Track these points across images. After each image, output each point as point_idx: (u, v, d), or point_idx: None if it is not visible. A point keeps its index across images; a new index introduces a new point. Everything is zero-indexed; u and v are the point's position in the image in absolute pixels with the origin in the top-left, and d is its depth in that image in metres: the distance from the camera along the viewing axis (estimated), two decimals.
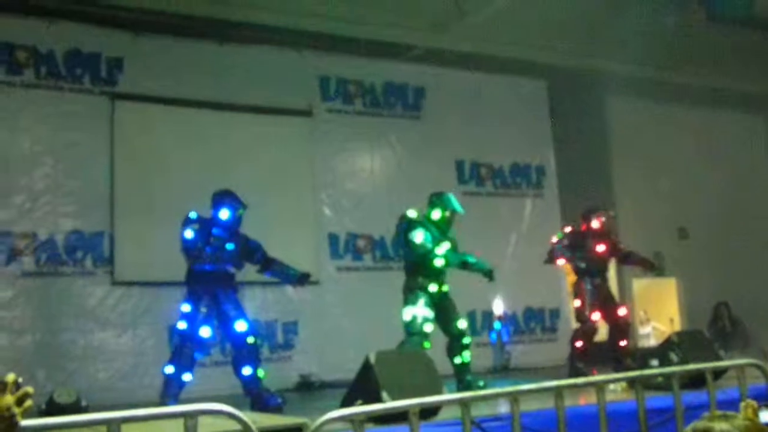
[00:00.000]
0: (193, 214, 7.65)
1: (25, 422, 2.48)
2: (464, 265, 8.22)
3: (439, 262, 7.96)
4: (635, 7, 10.99)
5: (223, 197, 7.82)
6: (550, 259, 9.72)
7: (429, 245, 7.91)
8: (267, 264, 8.10)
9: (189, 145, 10.35)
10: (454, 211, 8.19)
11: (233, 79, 10.67)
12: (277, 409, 7.31)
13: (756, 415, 2.52)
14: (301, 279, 8.28)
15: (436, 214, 8.15)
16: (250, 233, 8.15)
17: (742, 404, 2.66)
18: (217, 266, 7.67)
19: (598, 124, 13.65)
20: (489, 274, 8.25)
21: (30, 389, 2.42)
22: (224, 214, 7.74)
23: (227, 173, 9.72)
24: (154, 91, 10.30)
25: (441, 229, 8.13)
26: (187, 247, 7.58)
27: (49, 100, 9.75)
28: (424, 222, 8.06)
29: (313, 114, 11.39)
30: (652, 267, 10.07)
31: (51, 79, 9.78)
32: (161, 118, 10.36)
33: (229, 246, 7.72)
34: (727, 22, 10.89)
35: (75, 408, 5.71)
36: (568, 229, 9.93)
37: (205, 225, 7.63)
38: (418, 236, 7.89)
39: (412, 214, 8.07)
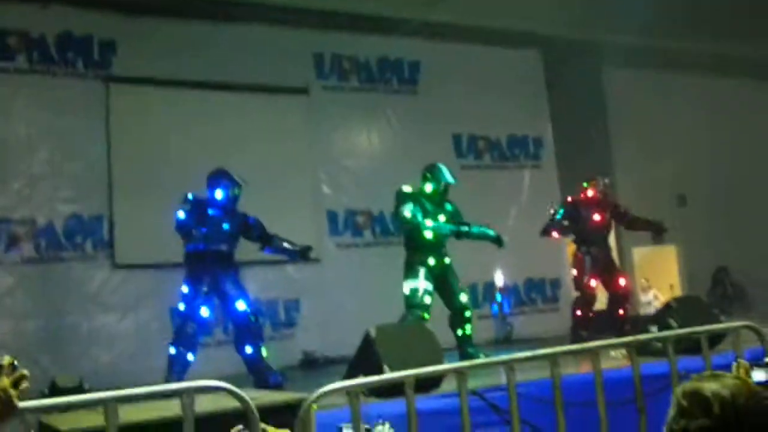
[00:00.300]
0: (190, 195, 7.67)
1: (22, 404, 2.50)
2: (459, 235, 8.25)
3: (428, 234, 8.01)
4: None
5: (218, 177, 7.85)
6: (544, 232, 9.74)
7: (417, 219, 7.95)
8: (267, 240, 8.11)
9: (185, 125, 10.33)
10: (446, 183, 8.21)
11: (228, 58, 10.63)
12: (277, 386, 7.36)
13: (748, 374, 2.54)
14: (303, 253, 8.25)
15: (428, 187, 8.20)
16: (249, 212, 8.16)
17: (734, 364, 2.68)
18: (211, 246, 7.69)
19: (595, 94, 13.62)
20: (497, 241, 8.33)
21: (25, 372, 2.44)
22: (219, 194, 7.78)
23: (225, 153, 9.70)
24: (148, 73, 10.27)
25: (435, 202, 8.16)
26: (178, 227, 7.63)
27: (43, 85, 9.73)
28: (417, 196, 8.08)
29: (309, 92, 11.36)
30: (660, 230, 9.94)
31: (44, 63, 9.74)
32: (156, 99, 10.33)
33: (225, 226, 7.75)
34: None
35: (77, 392, 5.74)
36: (568, 199, 9.94)
37: (199, 205, 7.66)
38: (406, 211, 7.94)
39: (406, 189, 8.10)
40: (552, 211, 9.69)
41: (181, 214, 7.57)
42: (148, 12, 10.35)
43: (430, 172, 8.27)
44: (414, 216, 7.95)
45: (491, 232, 8.41)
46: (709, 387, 2.16)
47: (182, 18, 10.58)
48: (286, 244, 8.19)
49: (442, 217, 8.16)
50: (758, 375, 2.69)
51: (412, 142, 11.64)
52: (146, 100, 10.26)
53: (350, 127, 11.77)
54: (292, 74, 11.22)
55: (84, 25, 10.00)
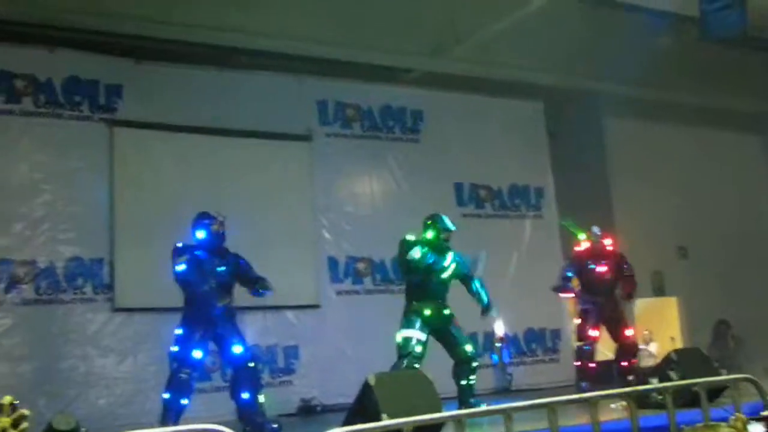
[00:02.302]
0: (179, 244, 7.71)
1: None
2: (468, 280, 8.30)
3: (446, 274, 8.12)
4: (630, 28, 11.07)
5: (197, 219, 7.87)
6: (557, 289, 9.89)
7: (429, 260, 8.02)
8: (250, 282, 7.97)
9: (188, 170, 10.38)
10: (447, 230, 8.27)
11: (232, 104, 10.73)
12: None
13: (745, 427, 2.53)
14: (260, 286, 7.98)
15: (429, 234, 8.26)
16: (250, 258, 8.14)
17: (732, 417, 2.68)
18: (210, 289, 7.67)
19: (596, 145, 13.71)
20: (486, 310, 8.37)
21: (26, 411, 2.45)
22: (200, 234, 7.80)
23: (226, 199, 9.76)
24: (152, 118, 10.34)
25: (437, 249, 8.21)
26: (184, 280, 7.61)
27: (48, 127, 9.79)
28: (420, 242, 8.14)
29: (312, 138, 11.43)
30: (628, 296, 10.02)
31: (50, 106, 9.81)
32: (160, 144, 10.39)
33: (220, 268, 7.74)
34: (719, 42, 10.97)
35: None
36: (574, 254, 10.11)
37: (190, 251, 7.68)
38: (416, 252, 8.01)
39: (409, 237, 8.18)
40: (562, 271, 9.85)
41: (181, 267, 7.58)
42: (154, 57, 10.49)
43: (432, 220, 8.35)
44: (424, 256, 8.01)
45: (486, 298, 8.44)
46: None
47: (188, 64, 10.73)
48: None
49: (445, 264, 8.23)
50: (755, 429, 2.68)
51: (413, 190, 11.71)
52: (150, 145, 10.33)
53: (352, 175, 11.82)
54: (295, 121, 11.30)
55: (91, 70, 10.10)
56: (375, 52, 11.39)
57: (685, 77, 12.74)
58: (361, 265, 11.41)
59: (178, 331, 7.63)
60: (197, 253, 7.67)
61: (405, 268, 8.30)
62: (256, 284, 7.92)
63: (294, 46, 10.89)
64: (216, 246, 7.82)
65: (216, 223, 7.84)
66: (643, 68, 11.44)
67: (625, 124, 13.75)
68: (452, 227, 8.34)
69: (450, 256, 8.22)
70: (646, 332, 13.72)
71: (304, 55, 11.08)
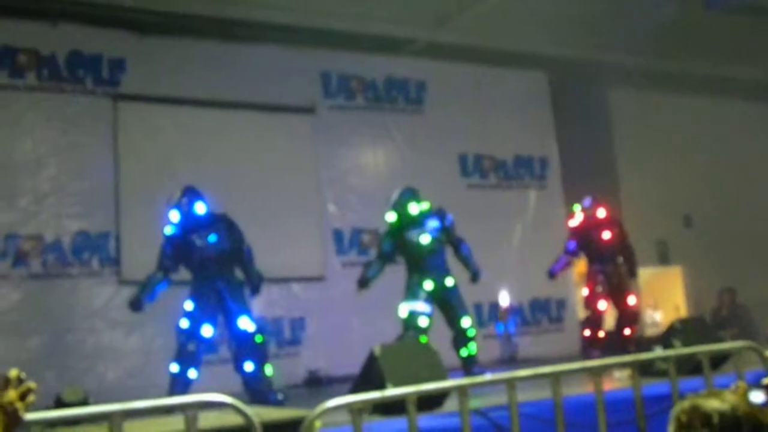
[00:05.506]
0: (166, 231, 7.80)
1: (28, 416, 2.52)
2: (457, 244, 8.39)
3: (424, 240, 8.27)
4: None
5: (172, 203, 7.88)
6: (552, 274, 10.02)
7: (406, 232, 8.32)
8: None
9: (192, 144, 10.38)
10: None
11: (235, 77, 10.71)
12: (278, 405, 7.36)
13: (746, 395, 2.55)
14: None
15: (414, 209, 8.37)
16: (255, 231, 8.20)
17: (733, 385, 2.70)
18: (212, 263, 7.71)
19: (600, 115, 13.64)
20: (475, 277, 8.50)
21: (33, 384, 2.47)
22: (174, 215, 7.82)
23: (230, 172, 9.80)
24: (156, 91, 10.35)
25: (416, 221, 8.32)
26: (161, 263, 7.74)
27: (52, 102, 9.80)
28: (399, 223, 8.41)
29: (316, 111, 11.41)
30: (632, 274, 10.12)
31: (53, 81, 9.82)
32: (164, 117, 10.40)
33: (211, 238, 7.74)
34: (723, 10, 10.88)
35: (82, 406, 5.75)
36: (574, 223, 10.05)
37: (176, 237, 7.74)
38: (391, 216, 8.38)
39: (389, 218, 8.41)
40: (566, 246, 9.89)
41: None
42: (156, 31, 10.46)
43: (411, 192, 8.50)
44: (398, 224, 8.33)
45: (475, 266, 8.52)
46: (708, 403, 2.19)
47: (191, 37, 10.68)
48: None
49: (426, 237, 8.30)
50: (757, 396, 2.69)
51: (418, 161, 11.69)
52: (154, 118, 10.33)
53: (356, 146, 11.81)
54: (298, 93, 11.27)
55: (93, 44, 10.08)
56: (378, 23, 11.33)
57: (689, 46, 12.64)
58: (366, 237, 11.44)
59: (189, 306, 7.64)
60: (187, 229, 7.71)
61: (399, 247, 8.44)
62: (251, 281, 7.93)
63: (297, 17, 10.84)
64: (202, 219, 7.81)
65: (184, 197, 7.83)
66: (648, 38, 11.36)
67: (630, 93, 13.68)
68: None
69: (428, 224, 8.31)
70: (652, 301, 13.74)
71: (307, 27, 11.03)
